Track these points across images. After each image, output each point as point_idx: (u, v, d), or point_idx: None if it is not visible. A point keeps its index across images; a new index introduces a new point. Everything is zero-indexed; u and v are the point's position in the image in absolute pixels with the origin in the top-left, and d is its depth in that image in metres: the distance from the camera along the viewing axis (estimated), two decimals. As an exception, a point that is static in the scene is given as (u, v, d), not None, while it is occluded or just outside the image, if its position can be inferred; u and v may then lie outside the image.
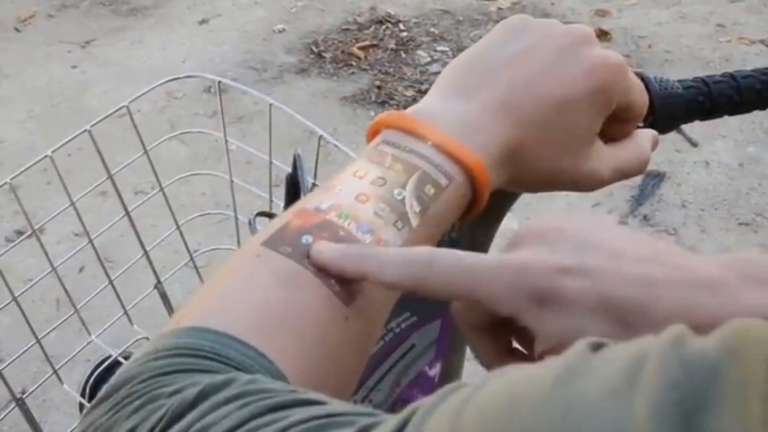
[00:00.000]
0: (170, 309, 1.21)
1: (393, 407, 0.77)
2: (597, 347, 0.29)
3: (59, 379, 1.10)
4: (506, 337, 0.50)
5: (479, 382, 0.31)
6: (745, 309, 0.40)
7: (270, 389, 0.40)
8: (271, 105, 1.02)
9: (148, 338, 1.20)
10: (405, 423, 0.32)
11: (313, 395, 0.40)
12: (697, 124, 0.78)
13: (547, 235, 0.46)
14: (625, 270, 0.43)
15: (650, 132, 0.66)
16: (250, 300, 0.47)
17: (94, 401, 0.44)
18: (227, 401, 0.39)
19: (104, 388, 0.44)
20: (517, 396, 0.28)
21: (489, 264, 0.46)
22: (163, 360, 0.43)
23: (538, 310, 0.44)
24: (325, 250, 0.49)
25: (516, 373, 0.30)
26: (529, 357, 0.49)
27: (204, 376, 0.42)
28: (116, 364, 1.13)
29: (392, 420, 0.33)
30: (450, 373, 0.82)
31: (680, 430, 0.24)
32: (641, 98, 0.63)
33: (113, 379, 0.45)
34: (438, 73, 3.26)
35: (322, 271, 0.48)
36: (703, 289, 0.42)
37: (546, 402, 0.27)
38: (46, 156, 0.99)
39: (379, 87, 3.22)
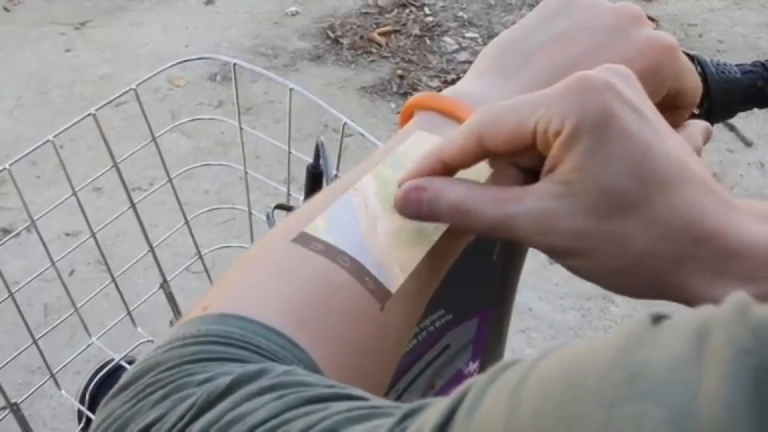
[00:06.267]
0: (176, 310, 1.24)
1: (427, 411, 0.78)
2: (657, 320, 0.31)
3: (56, 383, 1.13)
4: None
5: (533, 358, 0.33)
6: None
7: (307, 382, 0.42)
8: (291, 89, 1.04)
9: (152, 341, 1.22)
10: (458, 402, 0.34)
11: (352, 390, 0.42)
12: (752, 120, 0.79)
13: (620, 70, 0.51)
14: (670, 142, 0.49)
15: (702, 123, 0.66)
16: (283, 288, 0.49)
17: (114, 389, 0.45)
18: (261, 392, 0.40)
19: (125, 376, 0.45)
20: (578, 368, 0.30)
21: (548, 88, 0.50)
22: (190, 347, 0.44)
23: (581, 127, 0.47)
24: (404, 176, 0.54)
25: (572, 348, 0.32)
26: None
27: (235, 365, 0.43)
28: (118, 368, 1.15)
29: (443, 401, 0.35)
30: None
31: (753, 396, 0.26)
32: (695, 84, 0.64)
33: (135, 367, 0.46)
34: (466, 61, 3.26)
35: (357, 269, 0.50)
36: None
37: (610, 372, 0.29)
38: (47, 141, 1.00)
39: (401, 77, 3.23)
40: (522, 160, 0.52)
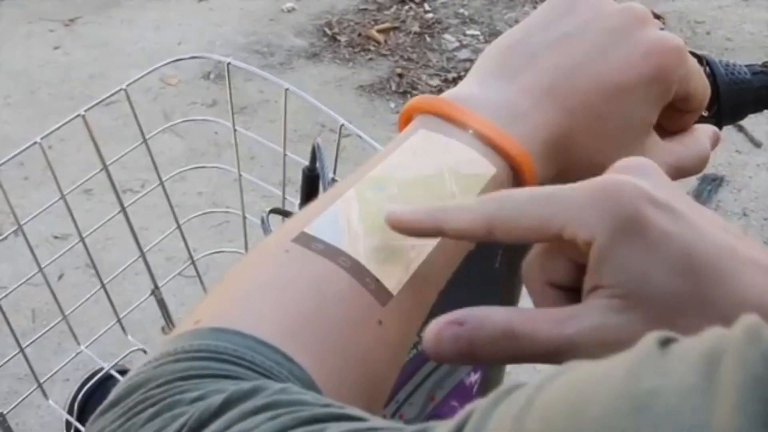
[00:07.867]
0: (168, 317, 1.24)
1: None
2: (665, 343, 0.31)
3: (44, 393, 1.12)
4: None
5: (537, 382, 0.33)
6: None
7: (303, 401, 0.41)
8: (287, 90, 1.04)
9: (144, 350, 1.22)
10: (461, 427, 0.34)
11: (349, 410, 0.41)
12: (761, 121, 0.79)
13: (642, 167, 0.48)
14: (711, 231, 0.46)
15: (710, 128, 0.66)
16: (279, 300, 0.48)
17: (103, 406, 0.45)
18: (256, 411, 0.40)
19: (114, 392, 0.45)
20: (584, 395, 0.30)
21: (571, 187, 0.47)
22: (182, 363, 0.44)
23: (616, 238, 0.45)
24: (397, 210, 0.51)
25: (578, 372, 0.32)
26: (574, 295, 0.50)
27: (228, 383, 0.43)
28: (108, 378, 1.15)
29: (444, 425, 0.35)
30: (490, 385, 0.83)
31: (765, 428, 0.26)
32: (702, 87, 0.64)
33: (124, 383, 0.45)
34: (467, 59, 3.25)
35: (357, 269, 0.50)
36: None
37: (617, 400, 0.29)
38: (34, 143, 1.00)
39: (400, 75, 3.23)
40: (557, 277, 0.50)
